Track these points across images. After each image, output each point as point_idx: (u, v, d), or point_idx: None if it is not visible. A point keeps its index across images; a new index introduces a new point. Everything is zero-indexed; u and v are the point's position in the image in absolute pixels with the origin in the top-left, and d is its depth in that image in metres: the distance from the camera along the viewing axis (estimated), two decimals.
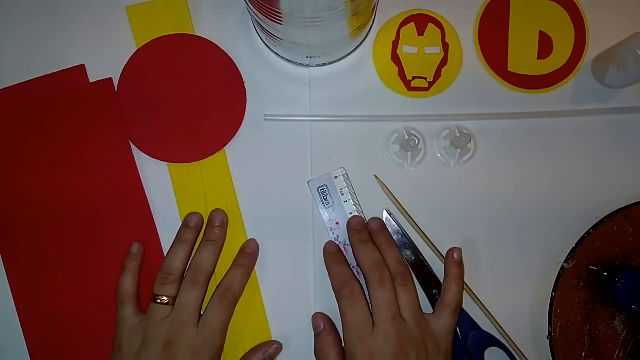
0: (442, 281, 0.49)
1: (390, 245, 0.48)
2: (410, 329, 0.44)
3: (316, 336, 0.48)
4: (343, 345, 0.46)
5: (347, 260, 0.49)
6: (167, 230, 0.49)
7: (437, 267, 0.50)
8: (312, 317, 0.49)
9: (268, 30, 0.45)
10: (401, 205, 0.50)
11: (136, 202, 0.50)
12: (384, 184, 0.50)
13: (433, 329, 0.45)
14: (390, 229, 0.50)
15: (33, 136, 0.50)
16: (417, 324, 0.44)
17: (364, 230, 0.49)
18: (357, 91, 0.52)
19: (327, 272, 0.48)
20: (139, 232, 0.50)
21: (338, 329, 0.48)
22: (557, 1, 0.52)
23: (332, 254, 0.49)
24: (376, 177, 0.50)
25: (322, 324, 0.48)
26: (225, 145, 0.51)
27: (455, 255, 0.48)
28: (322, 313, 0.49)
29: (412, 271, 0.49)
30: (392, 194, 0.50)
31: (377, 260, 0.46)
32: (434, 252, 0.50)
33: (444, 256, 0.49)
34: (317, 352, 0.47)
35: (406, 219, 0.50)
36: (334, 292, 0.46)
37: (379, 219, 0.50)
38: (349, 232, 0.49)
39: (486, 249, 0.50)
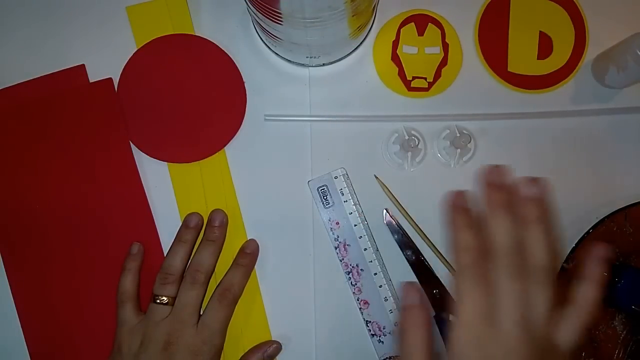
0: (442, 281, 0.49)
1: (542, 224, 0.35)
2: (538, 339, 0.33)
3: (405, 308, 0.36)
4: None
5: (480, 225, 0.35)
6: (167, 230, 0.49)
7: (437, 267, 0.50)
8: (404, 286, 0.36)
9: (268, 30, 0.45)
10: (401, 206, 0.50)
11: (136, 202, 0.50)
12: (384, 184, 0.50)
13: (558, 346, 0.34)
14: (390, 229, 0.50)
15: (33, 136, 0.50)
16: (546, 336, 0.34)
17: (508, 191, 0.35)
18: (357, 91, 0.52)
19: (448, 230, 0.36)
20: (139, 232, 0.50)
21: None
22: (557, 1, 0.52)
23: (463, 210, 0.36)
24: (376, 177, 0.50)
25: (417, 296, 0.36)
26: (225, 145, 0.51)
27: (596, 254, 0.36)
28: (415, 283, 0.39)
29: (414, 271, 0.49)
30: (392, 194, 0.50)
31: (517, 241, 0.34)
32: (433, 252, 0.50)
33: (444, 256, 0.49)
34: (402, 329, 0.36)
35: (406, 219, 0.50)
36: (454, 265, 0.35)
37: (535, 180, 0.36)
38: (482, 185, 0.36)
39: None
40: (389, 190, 0.50)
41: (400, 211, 0.50)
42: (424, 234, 0.50)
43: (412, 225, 0.50)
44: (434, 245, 0.50)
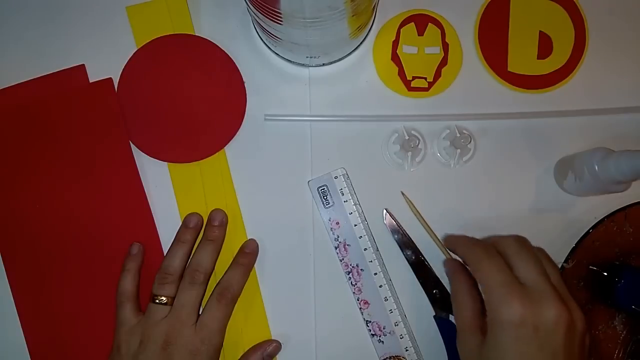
0: (442, 281, 0.49)
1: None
2: None
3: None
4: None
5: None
6: (167, 230, 0.49)
7: (437, 267, 0.50)
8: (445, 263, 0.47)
9: (268, 30, 0.45)
10: (424, 221, 0.49)
11: (136, 202, 0.50)
12: (409, 200, 0.49)
13: None
14: (390, 229, 0.50)
15: (33, 136, 0.50)
16: None
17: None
18: (357, 91, 0.52)
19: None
20: (139, 232, 0.50)
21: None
22: (557, 1, 0.52)
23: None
24: (402, 194, 0.50)
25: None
26: (225, 145, 0.51)
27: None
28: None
29: (414, 271, 0.49)
30: (417, 210, 0.49)
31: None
32: (444, 255, 0.49)
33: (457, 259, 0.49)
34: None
35: (428, 233, 0.49)
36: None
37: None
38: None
39: None
40: (414, 206, 0.49)
41: (424, 227, 0.49)
42: (439, 241, 0.49)
43: (433, 240, 0.49)
44: (446, 251, 0.49)
